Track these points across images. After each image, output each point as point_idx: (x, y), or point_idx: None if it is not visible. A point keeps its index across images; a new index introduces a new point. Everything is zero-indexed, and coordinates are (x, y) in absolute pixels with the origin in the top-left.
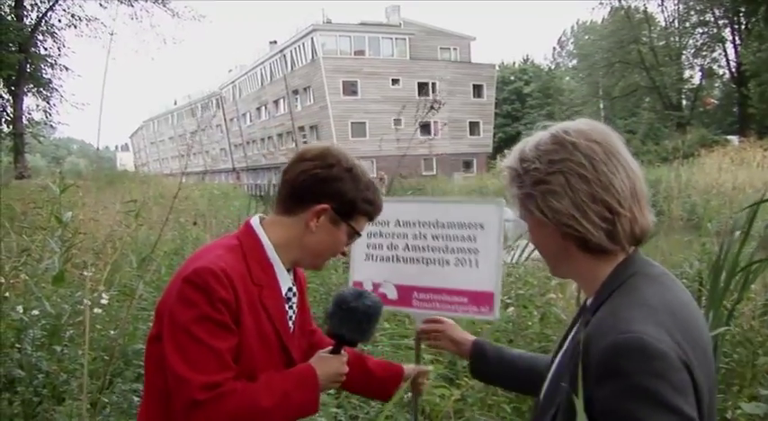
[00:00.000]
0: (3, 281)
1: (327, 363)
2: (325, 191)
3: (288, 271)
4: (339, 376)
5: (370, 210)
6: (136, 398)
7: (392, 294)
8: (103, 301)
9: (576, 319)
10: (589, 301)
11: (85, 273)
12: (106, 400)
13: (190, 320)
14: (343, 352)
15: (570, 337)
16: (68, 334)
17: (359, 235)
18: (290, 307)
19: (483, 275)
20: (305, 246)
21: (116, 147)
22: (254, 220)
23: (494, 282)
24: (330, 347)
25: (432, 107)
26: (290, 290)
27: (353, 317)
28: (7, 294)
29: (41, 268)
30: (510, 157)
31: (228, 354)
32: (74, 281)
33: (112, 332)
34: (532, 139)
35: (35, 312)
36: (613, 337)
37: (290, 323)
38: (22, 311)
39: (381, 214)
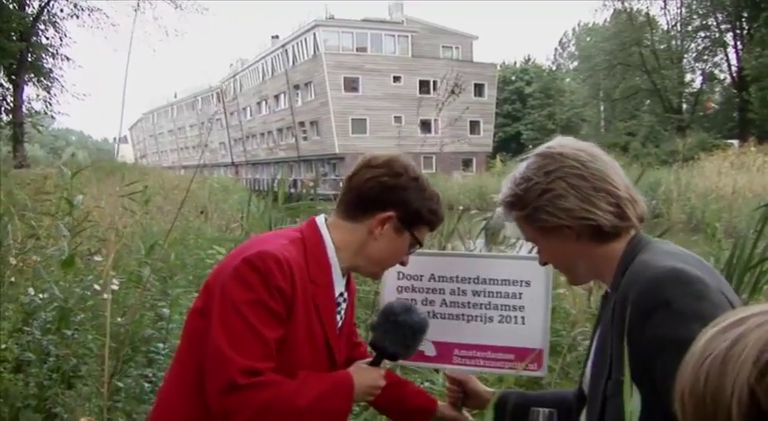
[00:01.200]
0: (14, 262)
1: (365, 374)
2: (391, 199)
3: (342, 276)
4: (375, 388)
5: (433, 220)
6: (147, 384)
7: (430, 351)
8: (114, 287)
9: (601, 311)
10: (610, 288)
11: (96, 258)
12: (121, 385)
13: (244, 302)
14: (382, 365)
15: (600, 328)
16: (79, 318)
17: (420, 245)
18: (339, 312)
19: (531, 332)
20: (367, 253)
21: (115, 138)
22: (320, 219)
23: (542, 339)
24: (370, 359)
25: (452, 91)
26: (341, 295)
27: (399, 331)
28: (13, 279)
29: (49, 253)
30: (502, 193)
31: (273, 345)
32: (82, 266)
33: (119, 319)
34: (517, 169)
35: (43, 295)
36: (647, 275)
37: (337, 328)
38: (33, 293)
39: (414, 268)
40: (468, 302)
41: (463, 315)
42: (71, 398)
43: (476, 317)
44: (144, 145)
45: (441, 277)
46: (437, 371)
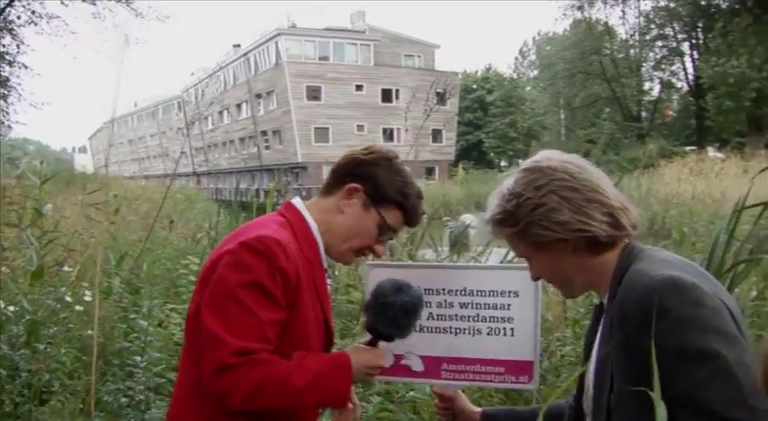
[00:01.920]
0: None
1: (362, 355)
2: (359, 172)
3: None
4: (372, 369)
5: (403, 202)
6: (124, 399)
7: (418, 366)
8: (87, 299)
9: (594, 323)
10: (605, 298)
11: (66, 269)
12: (106, 398)
13: (239, 284)
14: (380, 345)
15: (598, 340)
16: (50, 332)
17: (391, 230)
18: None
19: (520, 344)
20: (333, 227)
21: (74, 148)
22: (296, 200)
23: (532, 351)
24: (367, 339)
25: (443, 94)
26: (325, 271)
27: (388, 312)
28: None
29: (17, 264)
30: (489, 211)
31: (270, 327)
32: (48, 278)
33: (90, 331)
34: (504, 185)
35: (11, 308)
36: (643, 284)
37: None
38: (2, 306)
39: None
40: (456, 315)
41: (451, 328)
42: (46, 414)
43: (464, 329)
44: (104, 155)
45: (427, 290)
46: None
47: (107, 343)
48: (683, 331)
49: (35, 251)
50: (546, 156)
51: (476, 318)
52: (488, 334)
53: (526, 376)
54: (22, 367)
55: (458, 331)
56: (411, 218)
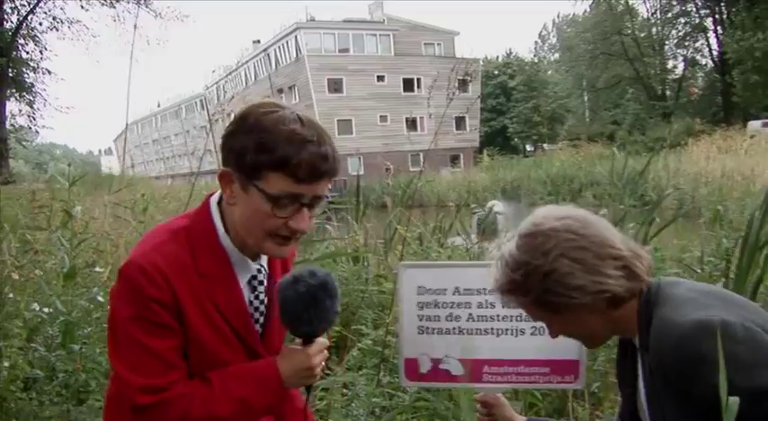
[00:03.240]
0: (16, 277)
1: (292, 359)
2: (224, 154)
3: (254, 257)
4: (307, 371)
5: (270, 160)
6: None
7: (457, 370)
8: None
9: (626, 357)
10: (635, 339)
11: (97, 269)
12: None
13: (126, 319)
14: (320, 340)
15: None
16: (85, 332)
17: (287, 197)
18: (257, 296)
19: (566, 343)
20: (235, 224)
21: (99, 151)
22: (213, 198)
23: (578, 350)
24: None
25: (464, 79)
26: (254, 278)
27: (287, 308)
28: (11, 295)
29: (49, 267)
30: (495, 280)
31: (172, 353)
32: (80, 279)
33: None
34: (505, 250)
35: (46, 310)
36: (674, 333)
37: (258, 314)
38: (37, 309)
39: (435, 280)
40: (498, 315)
41: (492, 329)
42: (84, 413)
43: (506, 330)
44: (130, 156)
45: (466, 290)
46: None
47: None
48: (731, 373)
49: (66, 253)
50: (543, 216)
51: (519, 318)
52: (532, 334)
53: (572, 375)
54: (58, 368)
55: (500, 332)
56: (295, 171)
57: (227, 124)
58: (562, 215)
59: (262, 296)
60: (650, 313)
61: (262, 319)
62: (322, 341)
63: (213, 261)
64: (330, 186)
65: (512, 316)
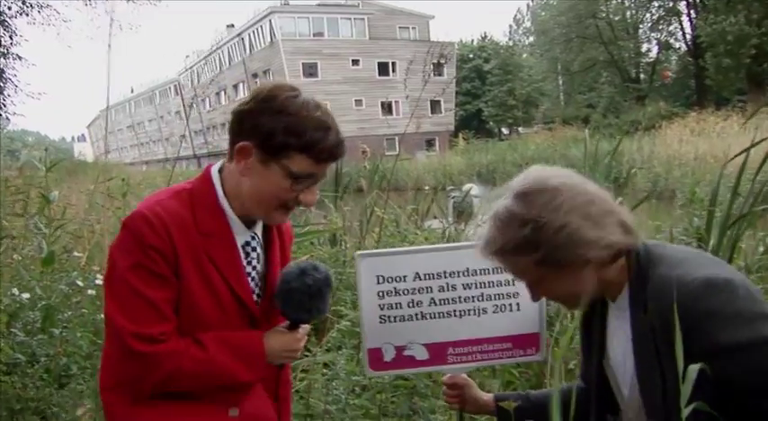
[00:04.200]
0: None
1: (279, 338)
2: (243, 128)
3: (249, 224)
4: (290, 352)
5: (298, 143)
6: None
7: (422, 355)
8: (98, 282)
9: (596, 317)
10: (622, 299)
11: (76, 254)
12: None
13: (126, 268)
14: (303, 327)
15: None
16: (66, 316)
17: (305, 176)
18: (249, 262)
19: (526, 317)
20: (244, 193)
21: (73, 137)
22: (214, 167)
23: (539, 323)
24: (287, 323)
25: (438, 62)
26: (247, 244)
27: (293, 297)
28: None
29: (27, 252)
30: (494, 245)
31: (165, 304)
32: (62, 264)
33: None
34: (499, 211)
35: (25, 295)
36: (682, 291)
37: (251, 280)
38: (17, 294)
39: (395, 268)
40: (459, 297)
41: (455, 311)
42: (66, 397)
43: (468, 311)
44: (103, 142)
45: (426, 275)
46: None
47: None
48: (734, 327)
49: (44, 238)
50: (541, 173)
51: (480, 298)
52: (494, 312)
53: (533, 348)
54: (39, 352)
55: (462, 313)
56: (318, 155)
57: (201, 109)
58: (562, 172)
59: (254, 262)
60: (644, 272)
61: (254, 286)
62: (307, 328)
63: (213, 220)
64: None
65: (473, 297)
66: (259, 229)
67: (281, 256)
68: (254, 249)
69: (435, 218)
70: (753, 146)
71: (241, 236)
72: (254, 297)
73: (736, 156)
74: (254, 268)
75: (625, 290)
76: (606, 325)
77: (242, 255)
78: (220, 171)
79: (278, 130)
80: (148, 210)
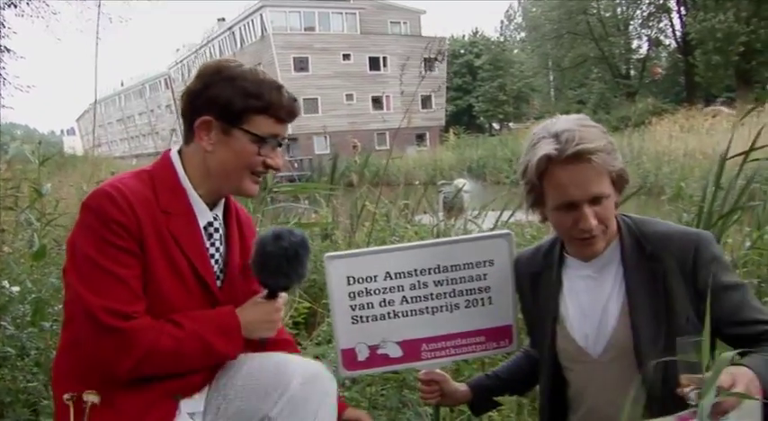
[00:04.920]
0: None
1: (257, 309)
2: (197, 105)
3: (211, 205)
4: (269, 322)
5: (258, 104)
6: None
7: (396, 353)
8: None
9: (555, 288)
10: (602, 257)
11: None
12: None
13: (90, 246)
14: (284, 295)
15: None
16: (56, 309)
17: (270, 136)
18: (212, 244)
19: (498, 310)
20: (212, 169)
21: (62, 131)
22: (173, 150)
23: (512, 315)
24: (265, 293)
25: (435, 58)
26: (210, 225)
27: (271, 262)
28: None
29: (18, 245)
30: (589, 144)
31: (135, 281)
32: (53, 257)
33: None
34: (586, 123)
35: (15, 289)
36: (689, 239)
37: (214, 262)
38: (7, 286)
39: (365, 268)
40: (432, 294)
41: (427, 308)
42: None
43: (441, 307)
44: (93, 136)
45: (397, 274)
46: None
47: None
48: (727, 271)
49: (36, 231)
50: (580, 117)
51: (452, 294)
52: (467, 307)
53: (507, 339)
54: (29, 345)
55: (435, 310)
56: (278, 114)
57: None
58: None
59: (217, 244)
60: (634, 230)
61: (217, 268)
62: (285, 296)
63: (175, 199)
64: (296, 165)
65: (445, 293)
66: (220, 212)
67: (241, 246)
68: (216, 230)
69: (426, 213)
70: (751, 149)
71: (203, 216)
72: (217, 281)
73: (735, 155)
74: (216, 249)
75: (611, 247)
76: (560, 289)
77: (204, 236)
78: (179, 154)
79: (236, 97)
80: (110, 187)
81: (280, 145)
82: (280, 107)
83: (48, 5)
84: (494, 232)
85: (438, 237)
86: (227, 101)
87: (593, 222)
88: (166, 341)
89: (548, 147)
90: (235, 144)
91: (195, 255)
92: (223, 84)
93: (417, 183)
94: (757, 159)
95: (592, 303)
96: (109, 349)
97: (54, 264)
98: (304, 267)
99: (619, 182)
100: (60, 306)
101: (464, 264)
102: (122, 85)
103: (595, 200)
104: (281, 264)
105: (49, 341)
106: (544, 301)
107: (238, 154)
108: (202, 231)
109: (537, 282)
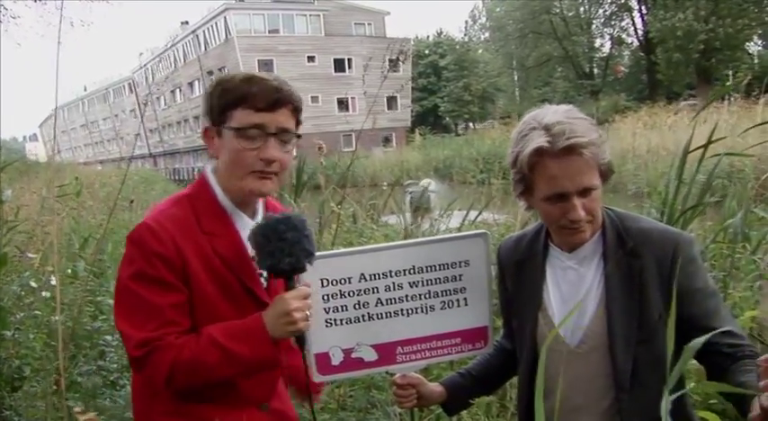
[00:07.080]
0: None
1: (273, 306)
2: (202, 121)
3: (250, 213)
4: (285, 316)
5: (231, 97)
6: (98, 378)
7: (371, 356)
8: (53, 283)
9: (538, 278)
10: (584, 249)
11: (30, 255)
12: (79, 379)
13: (128, 277)
14: (299, 285)
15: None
16: (18, 318)
17: (251, 127)
18: None
19: (474, 311)
20: (221, 174)
21: (24, 137)
22: (209, 168)
23: (487, 315)
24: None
25: (398, 59)
26: None
27: (252, 244)
28: None
29: None
30: (579, 137)
31: (172, 310)
32: (15, 265)
33: (55, 317)
34: (577, 115)
35: None
36: (671, 239)
37: (260, 271)
38: None
39: (339, 271)
40: (407, 295)
41: (402, 310)
42: (20, 400)
43: (416, 309)
44: (55, 142)
45: (372, 275)
46: None
47: (75, 326)
48: (705, 276)
49: None
50: (568, 108)
51: (428, 295)
52: (442, 308)
53: (482, 341)
54: None
55: (410, 312)
56: (254, 103)
57: (156, 107)
58: None
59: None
60: (617, 223)
61: (263, 278)
62: (303, 288)
63: (215, 219)
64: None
65: (420, 294)
66: (260, 217)
67: None
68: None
69: (393, 213)
70: (710, 142)
71: (245, 228)
72: (263, 283)
73: (694, 149)
74: None
75: (594, 240)
76: (544, 277)
77: (248, 249)
78: (215, 172)
79: (213, 99)
80: (152, 220)
81: (272, 135)
82: (253, 96)
83: (6, 9)
84: (470, 232)
85: (407, 237)
86: (210, 106)
87: (582, 213)
88: (186, 354)
89: (540, 140)
90: (227, 143)
91: (239, 269)
92: (207, 93)
93: (384, 184)
94: (718, 154)
95: (572, 294)
96: (144, 371)
97: (15, 272)
98: (292, 244)
99: (606, 174)
100: (23, 314)
101: (440, 265)
102: (85, 89)
103: (585, 192)
104: (261, 242)
105: (12, 350)
106: (528, 288)
107: (231, 152)
108: (247, 245)
109: (521, 269)
